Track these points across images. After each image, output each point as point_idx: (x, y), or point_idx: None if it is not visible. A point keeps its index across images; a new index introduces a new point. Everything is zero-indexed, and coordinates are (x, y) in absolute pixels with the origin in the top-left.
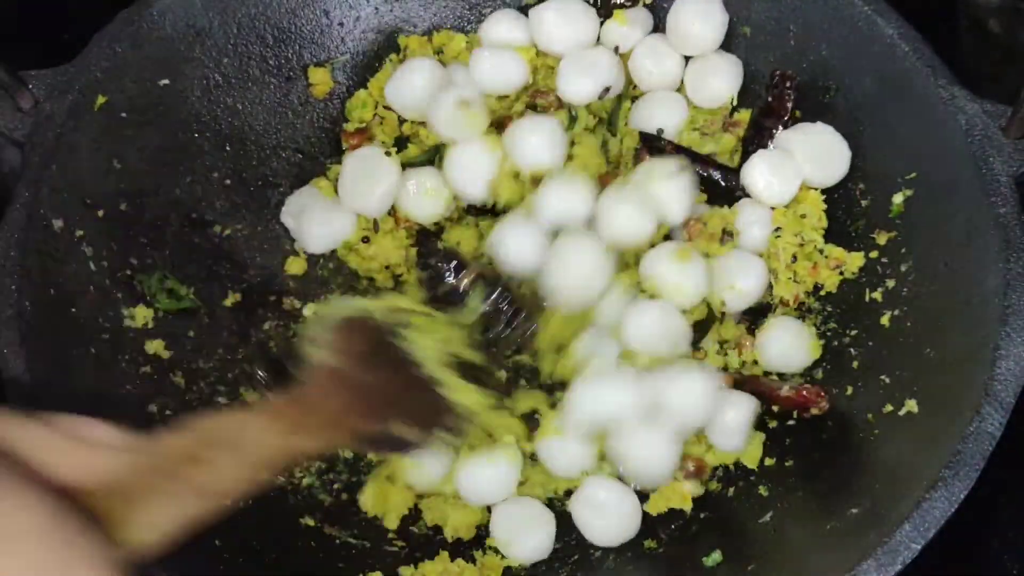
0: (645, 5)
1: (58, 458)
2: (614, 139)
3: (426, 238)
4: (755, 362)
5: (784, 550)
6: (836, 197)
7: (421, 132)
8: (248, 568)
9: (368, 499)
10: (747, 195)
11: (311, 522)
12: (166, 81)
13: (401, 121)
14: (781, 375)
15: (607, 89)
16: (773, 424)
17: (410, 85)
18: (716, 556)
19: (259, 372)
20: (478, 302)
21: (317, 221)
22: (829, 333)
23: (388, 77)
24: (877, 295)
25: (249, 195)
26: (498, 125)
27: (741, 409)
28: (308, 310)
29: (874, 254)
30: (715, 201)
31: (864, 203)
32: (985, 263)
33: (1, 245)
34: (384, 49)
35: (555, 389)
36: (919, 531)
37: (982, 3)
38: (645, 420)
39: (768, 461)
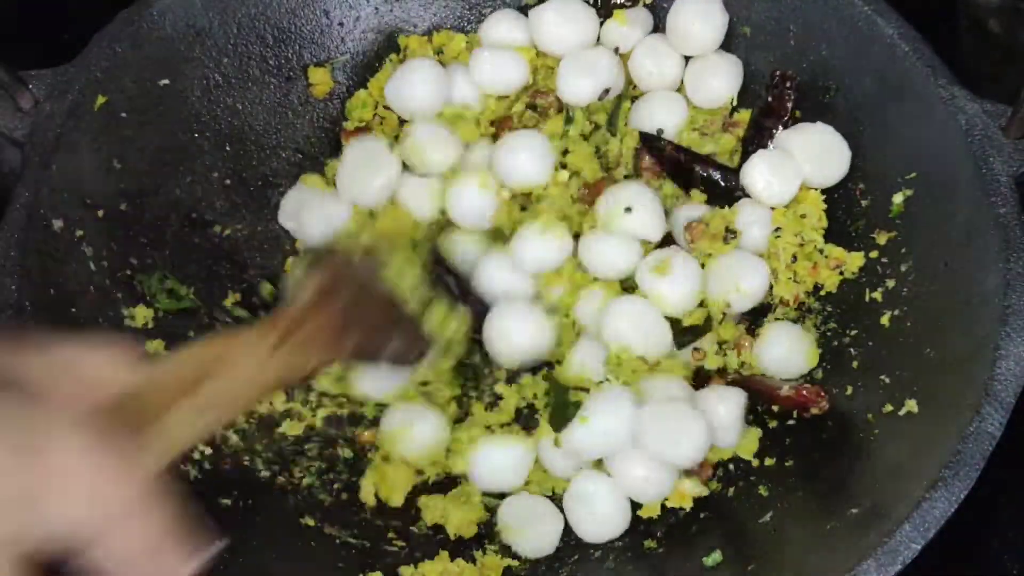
0: (645, 5)
1: (69, 386)
2: (614, 139)
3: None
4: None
5: (784, 550)
6: (836, 197)
7: None
8: (248, 568)
9: (368, 486)
10: (747, 195)
11: (311, 522)
12: (166, 81)
13: (401, 121)
14: None
15: (607, 90)
16: (773, 424)
17: (410, 85)
18: (716, 556)
19: None
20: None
21: (316, 214)
22: (829, 333)
23: (388, 77)
24: (877, 295)
25: (249, 195)
26: (498, 126)
27: (731, 404)
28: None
29: (874, 254)
30: (715, 201)
31: (864, 203)
32: (985, 263)
33: (1, 245)
34: (384, 49)
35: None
36: (919, 531)
37: (982, 3)
38: (640, 448)
39: (768, 461)
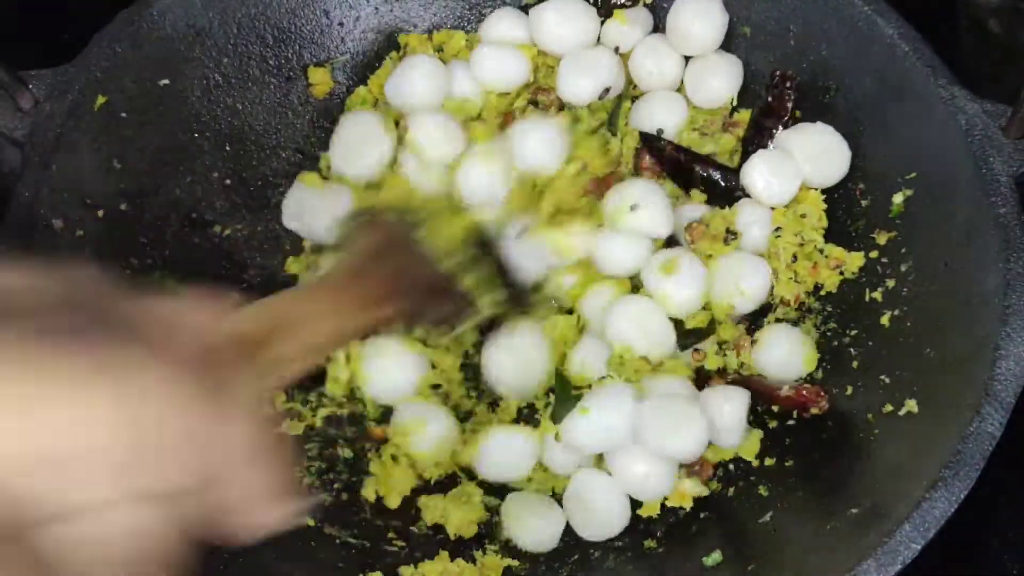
0: (645, 5)
1: (176, 336)
2: (614, 139)
3: None
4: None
5: (784, 550)
6: (836, 197)
7: None
8: (248, 568)
9: (371, 485)
10: (747, 195)
11: (311, 522)
12: (166, 81)
13: (397, 122)
14: None
15: (607, 89)
16: (773, 424)
17: (410, 82)
18: (716, 556)
19: None
20: None
21: (318, 209)
22: (829, 333)
23: (388, 74)
24: (877, 295)
25: (249, 195)
26: (500, 122)
27: (735, 403)
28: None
29: (874, 254)
30: (715, 201)
31: (864, 203)
32: (985, 263)
33: (1, 245)
34: (384, 49)
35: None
36: (919, 531)
37: (982, 3)
38: (640, 443)
39: (768, 461)
